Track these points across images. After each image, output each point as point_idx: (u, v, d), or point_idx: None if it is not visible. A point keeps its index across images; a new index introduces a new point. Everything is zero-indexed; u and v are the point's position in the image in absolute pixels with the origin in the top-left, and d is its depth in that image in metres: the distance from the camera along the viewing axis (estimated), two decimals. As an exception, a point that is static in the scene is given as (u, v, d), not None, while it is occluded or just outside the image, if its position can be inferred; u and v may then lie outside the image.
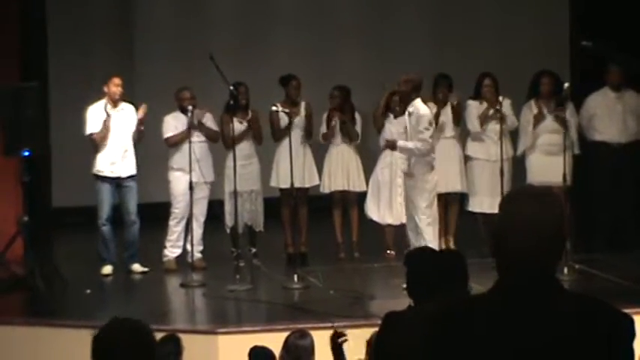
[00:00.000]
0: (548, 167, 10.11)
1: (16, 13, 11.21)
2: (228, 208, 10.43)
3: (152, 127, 10.37)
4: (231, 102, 10.26)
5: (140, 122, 10.20)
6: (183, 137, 10.21)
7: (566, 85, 9.98)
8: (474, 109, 10.57)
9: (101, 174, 10.17)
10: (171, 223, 10.36)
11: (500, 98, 10.30)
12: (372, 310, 8.36)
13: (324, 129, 10.69)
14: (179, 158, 10.26)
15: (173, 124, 10.36)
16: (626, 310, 2.83)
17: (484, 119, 10.50)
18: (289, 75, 10.63)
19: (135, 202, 10.22)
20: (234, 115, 10.22)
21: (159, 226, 10.43)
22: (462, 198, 10.74)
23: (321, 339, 5.93)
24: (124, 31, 13.16)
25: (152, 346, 3.48)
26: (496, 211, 2.91)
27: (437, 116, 10.39)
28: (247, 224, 10.54)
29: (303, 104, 10.60)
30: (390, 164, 10.45)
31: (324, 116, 10.70)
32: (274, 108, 10.26)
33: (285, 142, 10.09)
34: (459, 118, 10.67)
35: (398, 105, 10.12)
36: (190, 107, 10.14)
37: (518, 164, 10.57)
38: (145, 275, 10.24)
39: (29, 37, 11.58)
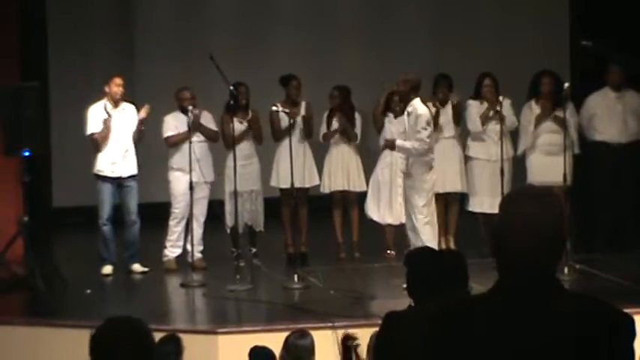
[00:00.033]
0: (549, 167, 10.11)
1: (16, 13, 11.21)
2: (228, 208, 10.43)
3: (152, 127, 10.37)
4: (232, 102, 10.26)
5: (141, 122, 10.20)
6: (184, 137, 10.21)
7: (567, 85, 9.96)
8: (474, 109, 10.56)
9: (102, 174, 10.17)
10: (171, 223, 10.36)
11: (501, 98, 10.30)
12: (372, 310, 8.36)
13: (324, 129, 10.69)
14: (179, 158, 10.26)
15: (173, 124, 10.36)
16: (627, 310, 2.82)
17: (484, 119, 10.50)
18: (289, 75, 10.63)
19: (135, 202, 10.22)
20: (235, 115, 10.22)
21: (159, 226, 10.43)
22: (462, 198, 10.74)
23: (321, 339, 5.94)
24: (124, 31, 13.16)
25: (150, 344, 3.47)
26: (496, 211, 2.91)
27: (437, 116, 10.41)
28: (247, 224, 10.55)
29: (303, 104, 10.60)
30: (391, 164, 10.45)
31: (325, 116, 10.71)
32: (274, 108, 10.26)
33: (286, 142, 10.09)
34: (459, 118, 10.67)
35: (398, 105, 10.13)
36: (190, 107, 10.14)
37: (519, 164, 10.56)
38: (146, 275, 10.24)
39: (29, 37, 11.58)
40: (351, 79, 11.35)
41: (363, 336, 5.47)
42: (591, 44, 10.22)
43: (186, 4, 13.34)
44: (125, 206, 10.23)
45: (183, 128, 10.24)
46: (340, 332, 5.60)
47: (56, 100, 12.28)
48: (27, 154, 9.76)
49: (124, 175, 10.19)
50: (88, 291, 9.52)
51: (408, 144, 9.13)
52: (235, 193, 10.05)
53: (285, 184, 10.17)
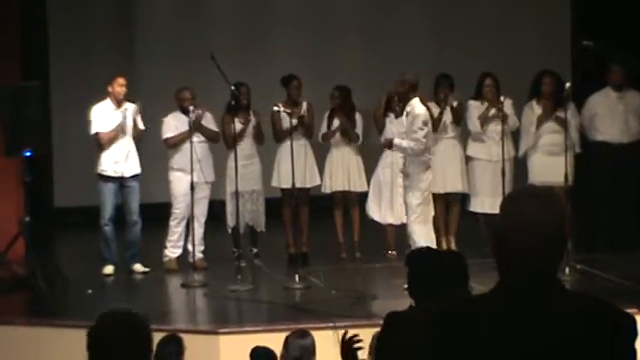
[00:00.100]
0: (550, 167, 10.10)
1: (17, 13, 11.22)
2: (229, 208, 10.43)
3: (152, 127, 10.37)
4: (233, 102, 10.25)
5: (134, 120, 10.17)
6: (184, 138, 10.21)
7: (568, 84, 9.96)
8: (475, 109, 10.56)
9: (105, 173, 10.17)
10: (172, 223, 10.36)
11: (502, 98, 10.28)
12: (373, 310, 8.36)
13: (324, 129, 10.69)
14: (179, 158, 10.26)
15: (173, 124, 10.36)
16: (628, 310, 2.83)
17: (485, 119, 10.50)
18: (290, 75, 10.63)
19: (137, 203, 10.23)
20: (236, 115, 10.22)
21: (160, 227, 10.43)
22: (463, 198, 10.74)
23: (322, 339, 5.93)
24: (125, 31, 13.16)
25: (148, 338, 3.45)
26: (497, 211, 2.90)
27: (439, 116, 10.41)
28: (249, 224, 10.55)
29: (304, 104, 10.60)
30: (391, 164, 10.44)
31: (325, 116, 10.70)
32: (276, 108, 10.26)
33: (287, 142, 10.09)
34: (459, 118, 10.67)
35: (398, 105, 10.12)
36: (191, 107, 10.13)
37: (520, 164, 10.56)
38: (147, 275, 10.24)
39: (30, 36, 11.59)
40: (351, 79, 11.34)
41: (365, 336, 5.46)
42: (592, 44, 10.21)
43: (187, 4, 13.34)
44: (127, 206, 10.23)
45: (184, 128, 10.23)
46: (341, 332, 5.58)
47: (57, 100, 12.28)
48: (28, 154, 9.76)
49: (127, 174, 10.19)
50: (89, 291, 9.52)
51: (404, 143, 9.16)
52: (236, 194, 10.05)
53: (287, 184, 10.17)
